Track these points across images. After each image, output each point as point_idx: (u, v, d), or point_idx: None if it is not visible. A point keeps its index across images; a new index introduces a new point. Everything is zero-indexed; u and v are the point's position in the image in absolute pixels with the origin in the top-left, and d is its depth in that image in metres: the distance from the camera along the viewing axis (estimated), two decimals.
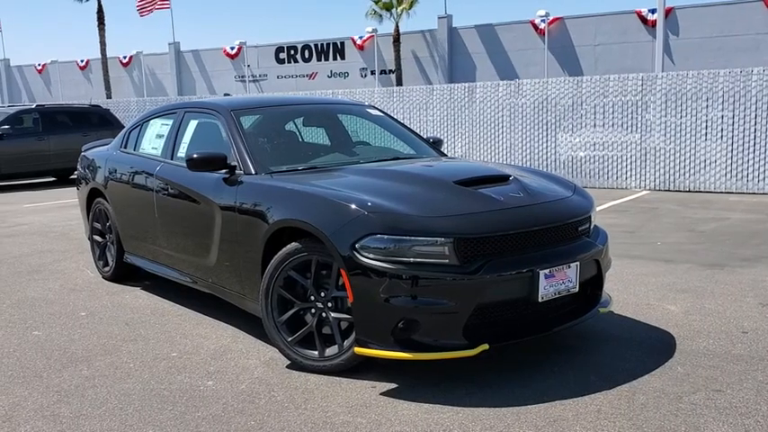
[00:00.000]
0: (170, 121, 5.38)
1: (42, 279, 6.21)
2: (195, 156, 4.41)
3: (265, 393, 3.60)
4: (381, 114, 5.57)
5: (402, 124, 5.59)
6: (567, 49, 29.70)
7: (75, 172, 6.71)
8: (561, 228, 3.85)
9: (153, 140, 5.50)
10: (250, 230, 4.15)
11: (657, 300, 5.11)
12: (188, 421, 3.30)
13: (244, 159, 4.45)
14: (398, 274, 3.44)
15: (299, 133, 5.33)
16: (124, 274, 5.94)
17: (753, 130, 10.91)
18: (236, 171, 4.42)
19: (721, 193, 11.12)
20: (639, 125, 11.76)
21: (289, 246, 3.87)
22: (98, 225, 6.15)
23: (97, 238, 6.20)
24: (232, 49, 37.57)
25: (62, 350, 4.33)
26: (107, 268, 6.06)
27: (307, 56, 36.28)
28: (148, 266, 5.47)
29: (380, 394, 3.56)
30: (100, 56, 37.74)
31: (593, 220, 4.18)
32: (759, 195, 10.74)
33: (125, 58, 40.47)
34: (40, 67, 43.58)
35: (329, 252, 3.67)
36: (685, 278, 5.72)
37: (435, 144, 5.47)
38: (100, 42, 37.32)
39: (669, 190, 11.59)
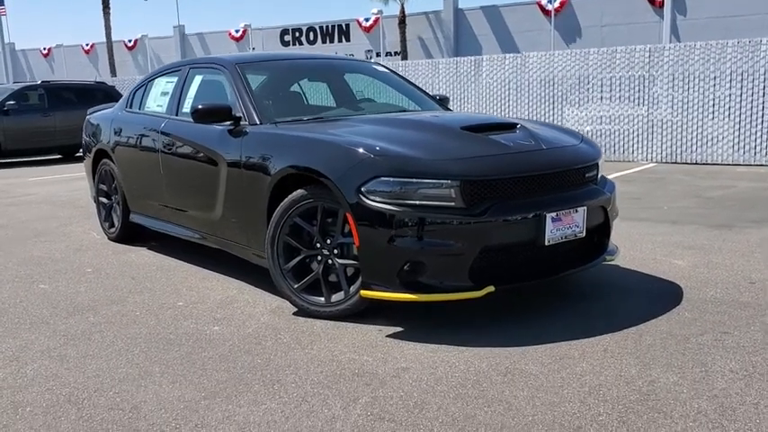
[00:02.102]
0: (175, 79, 5.36)
1: (48, 241, 6.22)
2: (200, 107, 4.40)
3: (272, 336, 3.60)
4: (387, 71, 5.54)
5: (409, 81, 5.56)
6: (574, 30, 29.51)
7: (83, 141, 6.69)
8: (568, 173, 3.82)
9: (158, 98, 5.49)
10: (255, 180, 4.13)
11: (664, 255, 5.09)
12: (194, 360, 3.30)
13: (248, 110, 4.43)
14: (404, 216, 3.43)
15: (305, 88, 5.30)
16: (130, 234, 5.94)
17: (761, 102, 10.82)
18: (241, 122, 4.40)
19: (728, 165, 11.06)
20: (646, 98, 11.68)
21: (294, 193, 3.86)
22: (104, 186, 6.15)
23: (103, 199, 6.20)
24: (237, 31, 37.47)
25: (68, 300, 4.34)
26: (113, 229, 6.06)
27: (312, 38, 36.16)
28: (155, 225, 5.47)
29: (386, 336, 3.56)
30: (105, 40, 37.68)
31: (600, 168, 4.16)
32: (766, 167, 10.67)
33: (130, 41, 40.42)
34: (45, 52, 43.56)
35: (335, 198, 3.66)
36: (692, 237, 5.70)
37: (442, 101, 5.43)
38: (105, 26, 37.27)
39: (676, 162, 11.53)
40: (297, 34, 36.28)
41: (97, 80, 17.51)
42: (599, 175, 4.14)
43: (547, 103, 12.62)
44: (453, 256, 3.45)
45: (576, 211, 3.72)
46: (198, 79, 5.11)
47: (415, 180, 3.46)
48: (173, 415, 2.74)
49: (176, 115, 5.12)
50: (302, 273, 3.93)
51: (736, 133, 11.04)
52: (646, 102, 11.71)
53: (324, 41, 35.82)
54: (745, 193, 8.07)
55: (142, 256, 5.54)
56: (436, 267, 3.47)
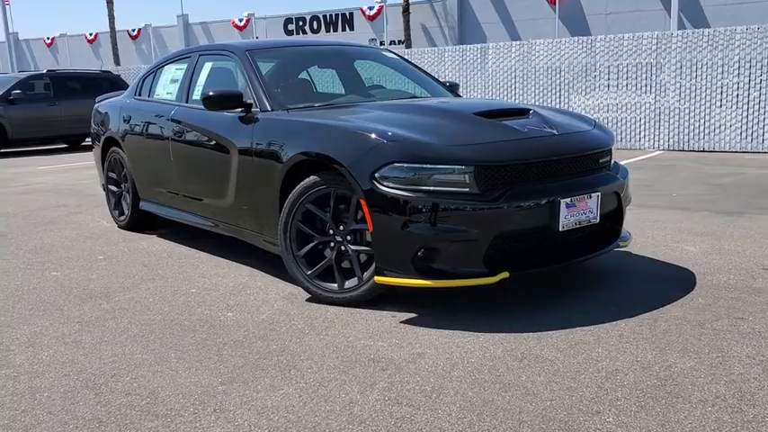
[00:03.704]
0: (184, 66, 5.34)
1: (58, 229, 6.23)
2: (211, 93, 4.38)
3: (286, 322, 3.61)
4: (397, 57, 5.51)
5: (419, 67, 5.54)
6: (579, 19, 29.32)
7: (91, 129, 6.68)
8: (582, 158, 3.81)
9: (167, 86, 5.47)
10: (267, 167, 4.12)
11: (676, 242, 5.08)
12: (210, 346, 3.31)
13: (260, 96, 4.42)
14: (418, 202, 3.41)
15: (314, 74, 5.28)
16: (140, 222, 5.94)
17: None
18: (253, 109, 4.39)
19: (736, 152, 11.03)
20: (654, 86, 11.63)
21: (307, 179, 3.85)
22: (113, 174, 6.15)
23: (112, 187, 6.20)
24: (240, 20, 37.36)
25: (81, 287, 4.35)
26: (122, 217, 6.06)
27: (315, 27, 36.01)
28: (166, 212, 5.47)
29: (400, 322, 3.56)
30: (108, 29, 37.62)
31: (613, 154, 4.14)
32: None
33: (134, 30, 40.33)
34: (48, 41, 43.49)
35: (348, 184, 3.65)
36: (703, 224, 5.69)
37: (452, 87, 5.41)
38: (108, 15, 37.21)
39: (683, 150, 11.50)
40: (300, 23, 36.14)
41: (102, 69, 17.46)
42: (612, 161, 4.13)
43: (553, 91, 12.58)
44: (467, 242, 3.44)
45: (590, 196, 3.71)
46: (208, 66, 5.10)
47: (429, 166, 3.44)
48: (190, 400, 2.75)
49: (186, 102, 5.11)
50: (314, 259, 3.93)
51: (744, 121, 10.99)
52: (653, 89, 11.66)
53: (327, 30, 35.67)
54: (755, 180, 8.04)
55: (153, 243, 5.55)
56: (450, 253, 3.46)
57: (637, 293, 3.93)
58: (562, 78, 12.45)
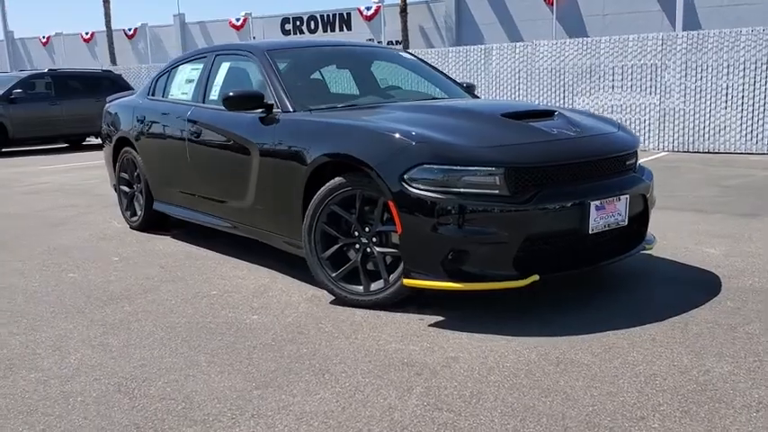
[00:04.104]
0: (200, 66, 5.30)
1: (70, 230, 6.17)
2: (232, 94, 4.35)
3: (313, 325, 3.57)
4: (414, 58, 5.48)
5: (435, 68, 5.51)
6: (576, 20, 29.30)
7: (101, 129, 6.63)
8: (610, 161, 3.79)
9: (182, 86, 5.43)
10: (290, 168, 4.09)
11: (695, 244, 5.06)
12: (239, 350, 3.27)
13: (281, 97, 4.38)
14: (449, 204, 3.38)
15: (333, 75, 5.25)
16: (152, 223, 5.90)
17: None
18: (274, 110, 4.35)
19: (741, 153, 11.03)
20: (658, 87, 11.63)
21: (332, 181, 3.82)
22: (125, 175, 6.10)
23: (124, 188, 6.16)
24: (237, 20, 37.27)
25: (100, 290, 4.31)
26: (135, 218, 6.02)
27: (313, 27, 35.93)
28: (181, 213, 5.42)
29: (429, 325, 3.53)
30: (104, 28, 37.46)
31: (638, 156, 4.13)
32: None
33: (130, 30, 40.17)
34: (44, 40, 43.30)
35: (375, 186, 3.62)
36: (720, 226, 5.67)
37: (468, 89, 5.39)
38: (105, 14, 37.05)
39: (688, 151, 11.50)
40: (297, 23, 36.07)
41: (104, 69, 17.38)
42: (637, 163, 4.11)
43: (557, 93, 12.57)
44: (498, 245, 3.41)
45: (619, 199, 3.69)
46: (225, 66, 5.06)
47: (459, 167, 3.42)
48: (226, 405, 2.71)
49: (203, 103, 5.07)
50: (338, 261, 3.90)
51: (750, 122, 11.00)
52: (658, 90, 11.66)
53: (325, 30, 35.59)
54: (764, 182, 8.04)
55: (167, 244, 5.50)
56: (480, 256, 3.43)
57: (663, 296, 3.91)
58: (566, 79, 12.45)
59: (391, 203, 3.51)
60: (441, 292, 3.62)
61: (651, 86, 11.71)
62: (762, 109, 10.89)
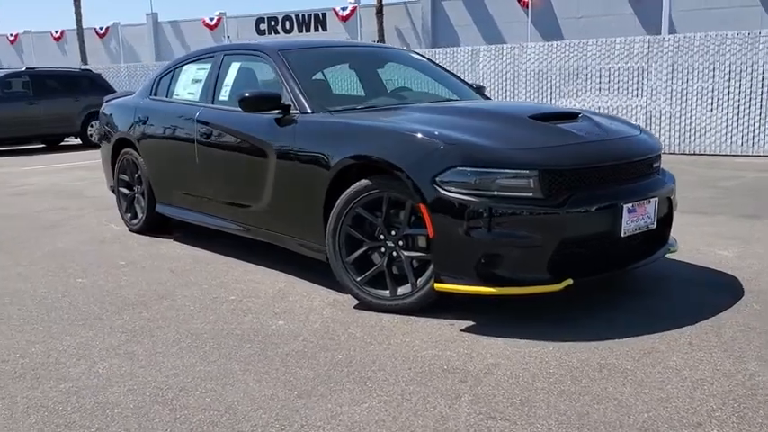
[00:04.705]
0: (207, 65, 5.19)
1: (67, 233, 6.01)
2: (248, 95, 4.25)
3: (342, 331, 3.50)
4: (424, 59, 5.43)
5: (446, 69, 5.46)
6: (551, 22, 29.50)
7: (94, 129, 6.47)
8: (639, 163, 3.77)
9: (189, 86, 5.31)
10: (311, 171, 4.01)
11: (706, 246, 5.08)
12: (271, 357, 3.19)
13: (298, 98, 4.30)
14: (482, 207, 3.33)
15: (345, 75, 5.18)
16: (154, 226, 5.77)
17: (759, 93, 10.92)
18: (292, 111, 4.26)
19: (726, 155, 11.15)
20: (645, 89, 11.72)
21: (358, 183, 3.74)
22: (125, 177, 5.96)
23: (123, 190, 6.01)
24: (211, 20, 36.97)
25: (113, 295, 4.18)
26: (135, 220, 5.88)
27: (288, 27, 35.75)
28: (186, 216, 5.30)
29: (461, 330, 3.47)
30: (75, 26, 36.86)
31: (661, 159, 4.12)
32: (764, 157, 10.76)
33: (101, 29, 39.60)
34: (12, 38, 42.47)
35: (403, 188, 3.56)
36: (726, 227, 5.71)
37: (479, 90, 5.35)
38: (75, 13, 36.45)
39: (674, 153, 11.61)
40: (272, 23, 35.87)
41: (82, 68, 17.08)
42: (660, 166, 4.10)
43: (544, 94, 12.61)
44: (532, 248, 3.37)
45: (649, 201, 3.67)
46: (235, 66, 4.95)
47: (492, 170, 3.37)
48: (272, 415, 2.63)
49: (212, 103, 4.96)
50: (363, 264, 3.83)
51: (735, 125, 11.14)
52: (644, 93, 11.76)
53: (300, 30, 35.43)
54: (758, 184, 8.13)
55: (172, 247, 5.38)
56: (514, 260, 3.39)
57: (687, 299, 3.91)
58: (552, 81, 12.50)
59: (423, 207, 3.45)
60: (466, 296, 3.56)
61: (637, 89, 11.80)
62: (746, 111, 11.03)
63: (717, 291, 4.05)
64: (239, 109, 4.45)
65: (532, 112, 3.95)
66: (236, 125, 4.61)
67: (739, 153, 11.12)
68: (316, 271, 4.43)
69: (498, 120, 3.87)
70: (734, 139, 11.16)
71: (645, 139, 4.01)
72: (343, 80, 5.24)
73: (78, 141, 15.45)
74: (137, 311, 3.87)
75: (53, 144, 15.51)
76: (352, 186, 3.76)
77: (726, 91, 11.12)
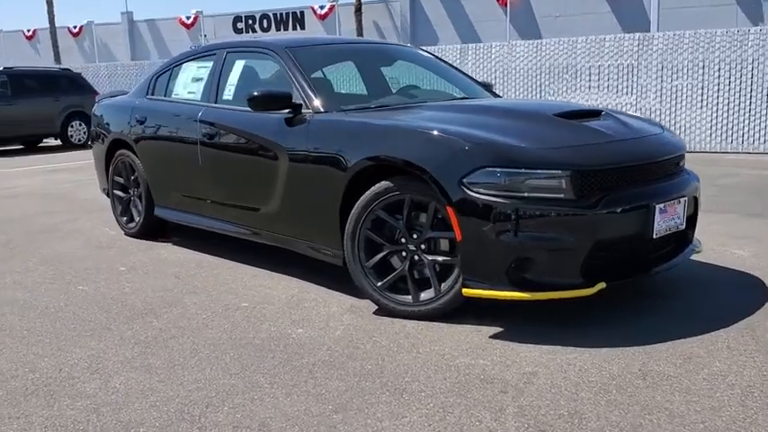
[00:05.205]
0: (209, 64, 5.01)
1: (61, 237, 5.80)
2: (257, 93, 4.09)
3: (366, 339, 3.36)
4: (431, 56, 5.30)
5: (454, 67, 5.33)
6: (529, 21, 29.53)
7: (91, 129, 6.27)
8: (667, 162, 3.67)
9: (189, 85, 5.13)
10: (326, 172, 3.85)
11: (720, 245, 5.00)
12: (298, 367, 3.04)
13: (310, 97, 4.14)
14: (512, 209, 3.21)
15: (353, 73, 5.02)
16: (152, 230, 5.57)
17: (748, 91, 10.94)
18: (303, 110, 4.11)
19: (716, 153, 11.16)
20: (635, 87, 11.70)
21: (378, 185, 3.60)
22: (120, 179, 5.75)
23: (119, 192, 5.80)
24: (188, 18, 36.55)
25: (118, 303, 4.00)
26: (132, 224, 5.68)
27: (265, 25, 35.45)
28: (188, 220, 5.12)
29: (489, 337, 3.35)
30: (48, 25, 36.23)
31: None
32: (754, 154, 10.79)
33: (75, 27, 38.96)
34: None
35: (426, 190, 3.42)
36: (736, 226, 5.64)
37: (487, 87, 5.22)
38: (48, 11, 35.83)
39: None
40: (250, 21, 35.58)
41: (62, 67, 16.72)
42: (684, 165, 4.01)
43: (533, 93, 12.54)
44: (566, 251, 3.25)
45: (679, 201, 3.58)
46: (239, 64, 4.78)
47: (523, 170, 3.24)
48: None
49: (215, 103, 4.78)
50: (383, 269, 3.69)
51: (724, 122, 11.14)
52: (634, 90, 11.73)
53: (278, 29, 35.14)
54: (755, 182, 8.10)
55: (173, 252, 5.19)
56: (546, 263, 3.27)
57: (712, 300, 3.82)
58: (542, 79, 12.43)
59: (450, 209, 3.32)
60: (486, 300, 3.42)
61: (627, 86, 11.77)
62: (736, 109, 11.04)
63: (741, 292, 3.96)
64: (245, 108, 4.30)
65: (556, 109, 3.83)
66: (242, 125, 4.45)
67: (729, 150, 11.13)
68: (326, 275, 4.29)
69: (522, 118, 3.74)
70: (723, 136, 11.17)
71: (669, 138, 3.91)
72: (351, 78, 5.08)
73: (58, 142, 15.11)
74: (147, 320, 3.70)
75: (32, 145, 15.16)
76: (372, 188, 3.62)
77: (716, 88, 11.12)
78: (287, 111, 4.13)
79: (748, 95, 10.94)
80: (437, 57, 5.36)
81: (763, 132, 10.92)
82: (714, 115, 11.19)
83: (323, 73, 4.65)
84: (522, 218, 3.22)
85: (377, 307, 3.74)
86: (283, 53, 4.44)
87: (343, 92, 4.57)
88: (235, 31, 35.42)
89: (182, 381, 2.93)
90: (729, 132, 11.12)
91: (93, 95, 14.65)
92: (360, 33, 31.69)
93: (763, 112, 10.86)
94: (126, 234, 5.76)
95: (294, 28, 34.47)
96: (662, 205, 3.45)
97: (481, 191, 3.26)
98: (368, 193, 3.63)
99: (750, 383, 2.79)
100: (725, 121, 11.13)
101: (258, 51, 4.70)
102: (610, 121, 3.78)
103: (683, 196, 3.61)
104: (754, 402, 2.63)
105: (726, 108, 11.09)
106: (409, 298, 3.60)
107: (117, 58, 37.60)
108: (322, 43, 5.12)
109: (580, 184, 3.27)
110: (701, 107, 11.28)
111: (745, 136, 11.03)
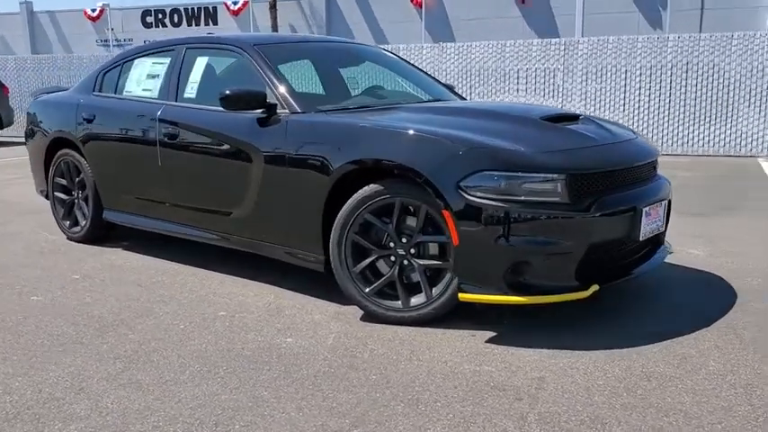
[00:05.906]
0: (166, 60, 4.77)
1: None
2: (229, 92, 3.91)
3: (362, 348, 3.26)
4: (396, 57, 5.24)
5: (419, 68, 5.29)
6: (443, 23, 29.91)
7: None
8: (647, 166, 3.76)
9: (143, 82, 4.87)
10: (306, 174, 3.73)
11: (676, 245, 5.12)
12: (300, 379, 2.91)
13: (285, 97, 4.00)
14: (509, 213, 3.19)
15: (311, 73, 4.89)
16: (99, 234, 5.27)
17: (668, 95, 11.42)
18: (279, 110, 3.97)
19: None
20: (560, 91, 12.01)
21: (366, 188, 3.51)
22: (62, 181, 5.40)
23: (60, 195, 5.45)
24: (93, 11, 35.10)
25: (83, 315, 3.75)
26: (77, 228, 5.35)
27: (176, 20, 34.47)
28: (143, 224, 4.86)
29: (486, 342, 3.32)
30: None
31: None
32: (672, 156, 11.27)
33: None
34: None
35: (419, 193, 3.36)
36: (683, 226, 5.82)
37: (450, 89, 5.20)
38: None
39: None
40: (160, 15, 34.54)
41: None
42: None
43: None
44: (562, 255, 3.26)
45: (660, 204, 3.66)
46: (201, 61, 4.57)
47: (521, 174, 3.23)
48: None
49: (176, 101, 4.56)
50: (368, 275, 3.61)
51: (646, 125, 11.59)
52: (560, 94, 12.04)
53: (189, 24, 34.19)
54: (692, 183, 8.43)
55: (126, 258, 4.92)
56: (543, 267, 3.27)
57: (686, 302, 3.90)
58: (471, 81, 12.59)
59: (446, 213, 3.27)
60: (469, 303, 3.39)
61: (553, 90, 12.07)
62: (656, 112, 11.51)
63: (709, 292, 4.08)
64: (212, 107, 4.14)
65: (541, 113, 3.85)
66: (209, 125, 4.25)
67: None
68: (297, 280, 4.18)
69: (511, 121, 3.73)
70: (652, 138, 11.60)
71: (645, 143, 4.01)
72: (309, 77, 4.95)
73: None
74: (121, 333, 3.47)
75: None
76: (360, 191, 3.53)
77: (637, 93, 11.55)
78: (260, 111, 3.98)
79: (667, 100, 11.42)
80: (401, 58, 5.30)
81: (681, 135, 11.43)
82: (636, 119, 11.62)
83: (295, 71, 4.50)
84: (519, 221, 3.20)
85: (362, 313, 3.65)
86: (252, 50, 4.28)
87: (319, 92, 4.43)
88: (144, 26, 34.30)
89: (179, 398, 2.76)
90: (651, 135, 11.57)
91: (4, 90, 13.83)
92: (275, 30, 31.26)
93: (681, 115, 11.37)
94: (69, 239, 5.43)
95: (207, 24, 33.59)
96: (647, 208, 3.51)
97: (479, 194, 3.22)
98: (355, 196, 3.54)
99: (749, 383, 2.87)
100: (647, 125, 11.58)
101: (222, 48, 4.52)
102: (591, 125, 3.83)
103: (663, 199, 3.69)
104: (760, 401, 2.71)
105: (646, 112, 11.54)
106: (399, 303, 3.53)
107: (15, 51, 35.69)
108: (290, 41, 4.98)
109: (574, 187, 3.29)
110: (624, 111, 11.69)
111: (665, 138, 11.51)
